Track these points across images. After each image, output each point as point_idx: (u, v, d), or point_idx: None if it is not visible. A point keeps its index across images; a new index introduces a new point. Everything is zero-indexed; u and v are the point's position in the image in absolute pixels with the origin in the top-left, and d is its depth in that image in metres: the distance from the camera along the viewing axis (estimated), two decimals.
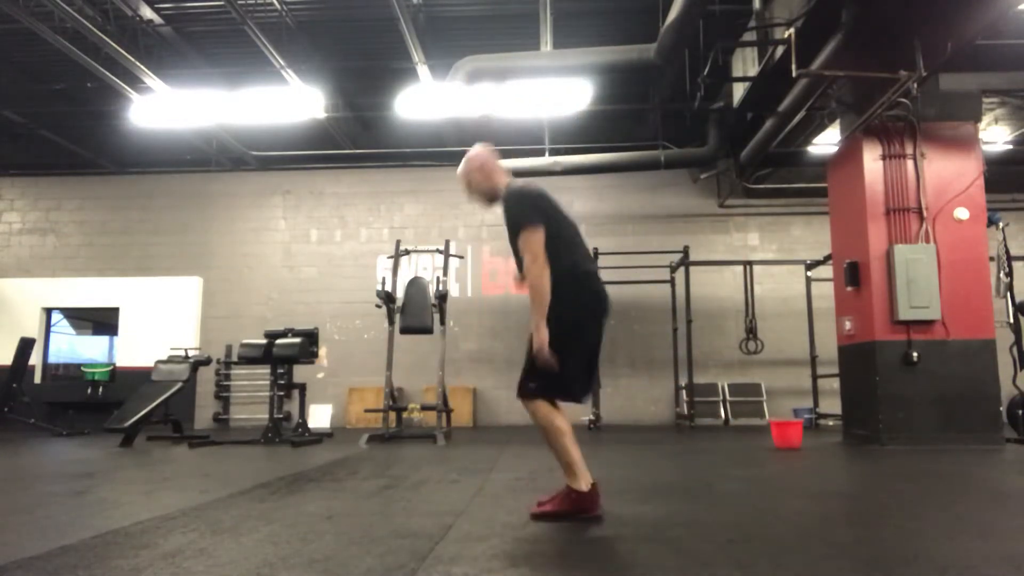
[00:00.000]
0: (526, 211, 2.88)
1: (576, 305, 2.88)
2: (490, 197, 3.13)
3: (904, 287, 6.34)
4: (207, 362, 8.43)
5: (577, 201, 11.70)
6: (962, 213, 6.50)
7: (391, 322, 8.06)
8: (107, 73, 8.30)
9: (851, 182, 6.89)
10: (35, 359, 10.80)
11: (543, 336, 2.72)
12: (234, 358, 9.19)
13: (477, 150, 3.15)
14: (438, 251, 8.94)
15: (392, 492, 3.63)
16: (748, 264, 10.13)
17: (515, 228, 2.88)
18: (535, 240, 2.79)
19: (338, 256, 11.78)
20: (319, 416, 10.74)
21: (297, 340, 7.62)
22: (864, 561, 2.10)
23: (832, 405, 8.84)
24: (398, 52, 8.49)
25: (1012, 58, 6.70)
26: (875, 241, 6.54)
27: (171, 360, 8.17)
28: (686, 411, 10.13)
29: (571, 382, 2.86)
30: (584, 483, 2.79)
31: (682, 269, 10.18)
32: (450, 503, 3.20)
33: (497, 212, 3.14)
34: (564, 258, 2.89)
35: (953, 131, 6.66)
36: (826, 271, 8.62)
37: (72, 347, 13.57)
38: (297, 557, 2.16)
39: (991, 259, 6.65)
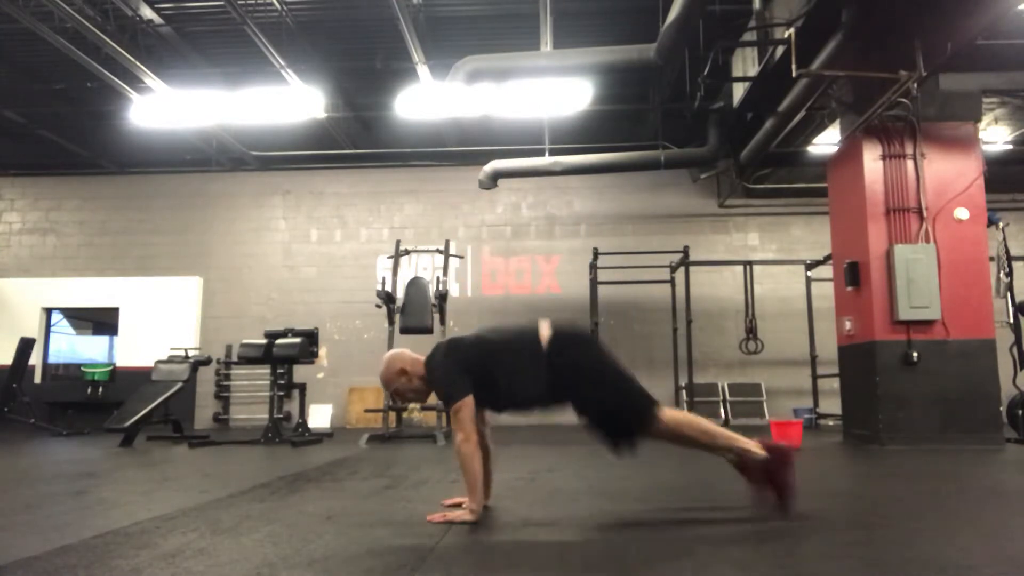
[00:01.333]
0: (448, 385, 2.82)
1: (567, 363, 2.85)
2: (427, 388, 3.00)
3: (904, 287, 6.34)
4: (207, 362, 8.44)
5: (577, 201, 11.72)
6: (962, 213, 6.50)
7: (391, 322, 8.06)
8: (107, 73, 8.30)
9: (851, 182, 6.89)
10: (35, 359, 10.80)
11: (474, 510, 2.72)
12: (234, 358, 9.19)
13: (386, 358, 3.01)
14: (438, 251, 8.95)
15: (392, 492, 3.63)
16: (748, 264, 10.13)
17: (446, 401, 2.84)
18: (462, 416, 2.74)
19: (338, 256, 11.78)
20: (319, 416, 10.74)
21: (297, 340, 7.62)
22: (864, 561, 2.10)
23: (832, 405, 8.84)
24: (398, 52, 8.49)
25: (1012, 58, 6.70)
26: (875, 241, 6.54)
27: (171, 360, 8.17)
28: (686, 411, 10.12)
29: (638, 385, 2.87)
30: (756, 446, 2.80)
31: (682, 269, 10.18)
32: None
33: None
34: (528, 342, 2.86)
35: (953, 131, 6.66)
36: (826, 271, 8.62)
37: (72, 347, 13.57)
38: (297, 557, 2.16)
39: (991, 259, 6.65)
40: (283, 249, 11.88)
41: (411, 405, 8.91)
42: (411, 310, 7.99)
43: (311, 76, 9.09)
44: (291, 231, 11.93)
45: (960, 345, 6.31)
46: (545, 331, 2.87)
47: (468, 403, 2.76)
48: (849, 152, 6.96)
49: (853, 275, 6.72)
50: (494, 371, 2.82)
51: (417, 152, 11.39)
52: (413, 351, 3.04)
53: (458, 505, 2.89)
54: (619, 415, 2.85)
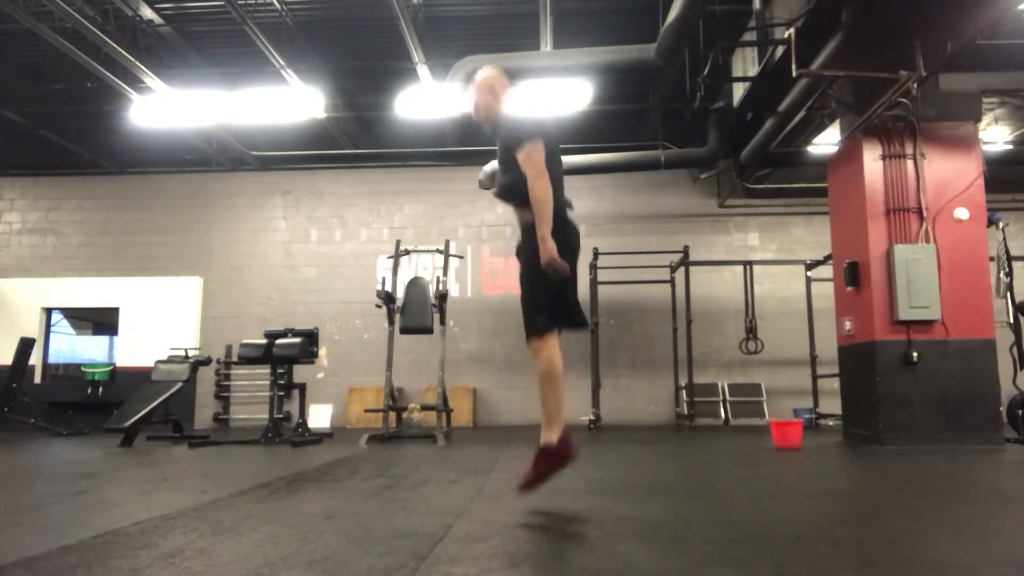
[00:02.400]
0: (530, 126, 2.91)
1: (564, 242, 2.93)
2: (491, 114, 3.17)
3: (904, 287, 6.34)
4: (207, 362, 8.43)
5: (577, 201, 11.55)
6: (962, 213, 6.50)
7: (391, 322, 8.07)
8: (107, 73, 8.30)
9: (851, 182, 6.89)
10: (35, 359, 10.81)
11: (551, 247, 2.77)
12: (234, 358, 9.19)
13: (488, 70, 3.19)
14: (438, 251, 8.95)
15: (392, 492, 3.63)
16: (748, 264, 10.13)
17: (515, 141, 2.89)
18: (537, 154, 2.82)
19: (338, 256, 11.78)
20: (319, 416, 10.74)
21: (297, 340, 7.62)
22: (864, 561, 2.10)
23: (832, 405, 8.84)
24: (398, 52, 8.49)
25: (1012, 58, 6.70)
26: (875, 241, 6.54)
27: (171, 360, 8.17)
28: (686, 411, 10.14)
29: (573, 307, 2.97)
30: (557, 435, 2.82)
31: (682, 269, 10.18)
32: (450, 503, 3.20)
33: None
34: (555, 191, 2.96)
35: (953, 131, 6.66)
36: (826, 271, 8.62)
37: (72, 347, 13.57)
38: (297, 557, 2.16)
39: (991, 259, 6.65)
40: (283, 249, 11.88)
41: (411, 405, 8.92)
42: (411, 310, 7.99)
43: (311, 76, 9.09)
44: (291, 231, 11.93)
45: (960, 345, 6.31)
46: (567, 208, 3.05)
47: (543, 148, 2.86)
48: (849, 152, 6.96)
49: (853, 275, 6.72)
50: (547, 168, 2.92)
51: (417, 152, 11.39)
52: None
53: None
54: (528, 307, 3.00)
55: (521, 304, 2.99)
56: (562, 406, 2.84)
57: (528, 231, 2.98)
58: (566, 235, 2.97)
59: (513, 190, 3.01)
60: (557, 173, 3.04)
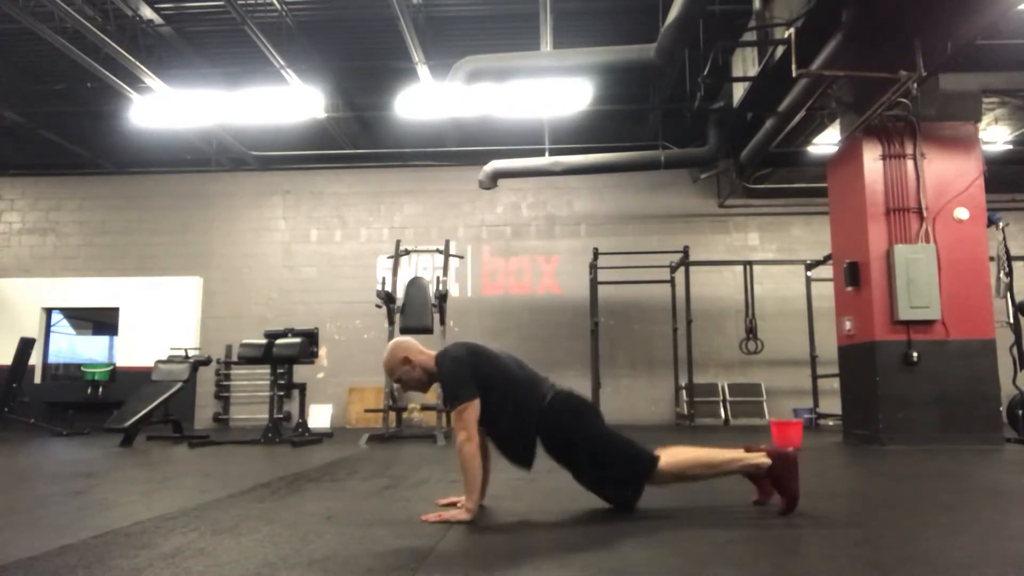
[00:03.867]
0: (456, 384, 2.83)
1: (556, 423, 2.89)
2: (428, 379, 3.03)
3: (904, 287, 6.34)
4: (207, 362, 8.43)
5: (577, 201, 11.72)
6: (962, 213, 6.50)
7: (391, 322, 8.07)
8: (107, 73, 8.30)
9: (851, 182, 6.89)
10: (35, 359, 10.80)
11: (471, 509, 2.73)
12: (234, 358, 9.19)
13: (390, 348, 3.05)
14: (438, 251, 8.95)
15: (392, 492, 3.63)
16: (748, 264, 10.13)
17: (450, 401, 2.85)
18: (466, 417, 2.76)
19: (338, 256, 11.78)
20: (319, 416, 10.74)
21: (297, 340, 7.62)
22: (864, 561, 2.10)
23: (832, 405, 8.84)
24: (398, 52, 8.49)
25: (1012, 58, 6.70)
26: (875, 241, 6.54)
27: (171, 360, 8.17)
28: (686, 411, 10.14)
29: (632, 451, 2.87)
30: (757, 456, 2.82)
31: (682, 269, 10.18)
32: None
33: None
34: (536, 393, 2.91)
35: (953, 131, 6.66)
36: (826, 271, 8.62)
37: (72, 347, 13.57)
38: (297, 557, 2.16)
39: (991, 259, 6.65)
40: (283, 249, 11.88)
41: (411, 405, 8.92)
42: (411, 310, 7.99)
43: (311, 76, 9.09)
44: (291, 231, 11.93)
45: (960, 345, 6.31)
46: (559, 389, 2.95)
47: (474, 406, 2.79)
48: (849, 152, 6.96)
49: (853, 275, 6.72)
50: (492, 402, 2.85)
51: (417, 152, 11.39)
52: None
53: (453, 504, 2.89)
54: (614, 480, 2.91)
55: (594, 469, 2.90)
56: (723, 456, 2.88)
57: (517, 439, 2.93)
58: (558, 415, 2.89)
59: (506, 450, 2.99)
60: (523, 376, 2.97)
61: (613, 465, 2.87)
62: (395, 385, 3.20)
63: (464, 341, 3.06)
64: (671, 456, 2.85)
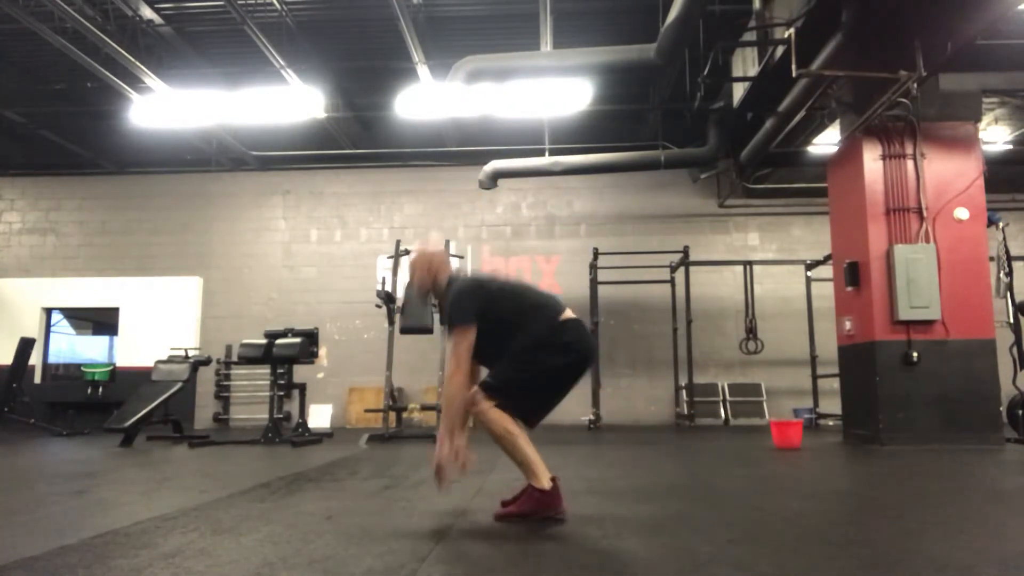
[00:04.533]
0: (457, 311, 2.83)
1: (561, 361, 2.87)
2: (436, 293, 3.08)
3: (904, 287, 6.34)
4: (207, 362, 8.43)
5: (577, 201, 11.72)
6: (962, 213, 6.50)
7: (391, 322, 8.07)
8: (107, 73, 8.30)
9: (851, 182, 6.89)
10: (35, 359, 10.81)
11: (443, 448, 2.69)
12: (234, 358, 9.19)
13: (427, 246, 3.10)
14: None
15: (392, 492, 3.63)
16: (748, 264, 10.13)
17: (450, 324, 2.84)
18: (460, 343, 2.75)
19: (338, 256, 11.78)
20: (319, 416, 10.74)
21: (297, 340, 7.62)
22: (864, 561, 2.10)
23: (832, 405, 8.84)
24: (398, 52, 8.49)
25: (1012, 58, 6.70)
26: (875, 241, 6.54)
27: (171, 360, 8.17)
28: (686, 411, 10.14)
29: (534, 409, 2.89)
30: (545, 481, 2.77)
31: (682, 269, 10.18)
32: (450, 503, 3.20)
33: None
34: (540, 322, 2.88)
35: (953, 131, 6.66)
36: (826, 271, 8.62)
37: (72, 347, 13.56)
38: (297, 557, 2.16)
39: (991, 259, 6.65)
40: (283, 249, 11.88)
41: (411, 405, 8.92)
42: (411, 310, 7.98)
43: (311, 76, 9.09)
44: (291, 231, 11.93)
45: (960, 345, 6.31)
46: (570, 319, 2.92)
47: (470, 334, 2.78)
48: (849, 152, 6.96)
49: (853, 275, 6.72)
50: (494, 334, 2.84)
51: (417, 152, 11.39)
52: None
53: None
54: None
55: (509, 371, 2.85)
56: (531, 455, 2.77)
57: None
58: (568, 357, 2.87)
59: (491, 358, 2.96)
60: (532, 300, 2.96)
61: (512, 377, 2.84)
62: (427, 295, 3.20)
63: (476, 275, 3.10)
64: (498, 419, 2.77)
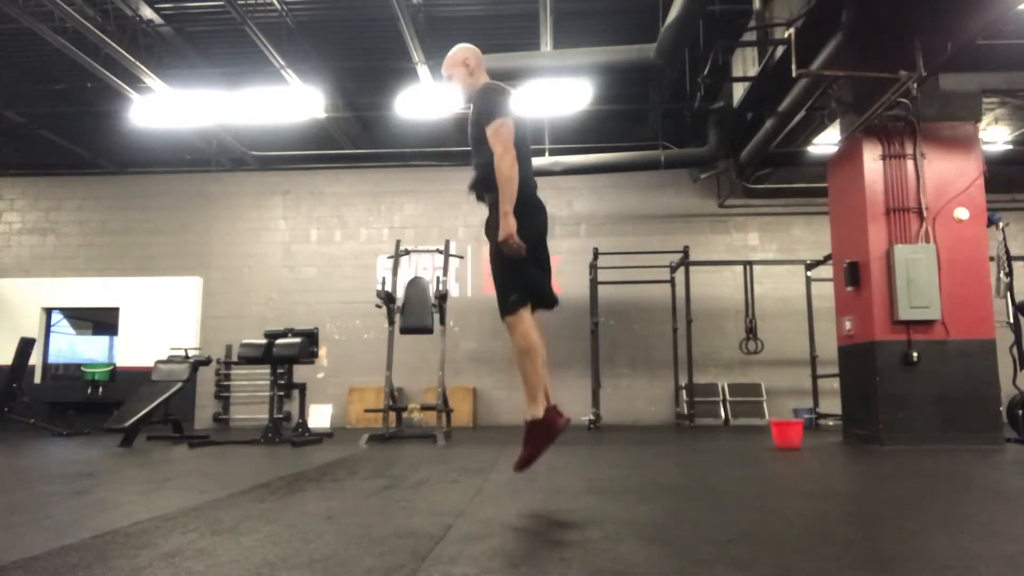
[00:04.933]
0: (500, 103, 2.94)
1: (531, 221, 2.98)
2: (469, 90, 3.21)
3: (904, 287, 6.34)
4: (207, 362, 8.43)
5: (577, 201, 11.72)
6: (962, 213, 6.50)
7: (391, 322, 8.06)
8: (107, 73, 8.30)
9: (851, 182, 6.89)
10: (35, 359, 10.81)
11: (511, 223, 2.79)
12: (234, 358, 9.19)
13: (464, 46, 3.24)
14: (438, 251, 8.95)
15: (392, 492, 3.63)
16: (748, 264, 10.13)
17: (486, 118, 2.92)
18: (506, 131, 2.86)
19: (338, 256, 11.79)
20: (319, 416, 10.74)
21: (297, 340, 7.62)
22: (864, 561, 2.10)
23: (832, 405, 8.85)
24: (398, 52, 8.49)
25: (1012, 58, 6.70)
26: (875, 241, 6.54)
27: (171, 360, 8.17)
28: (686, 411, 10.14)
29: (541, 283, 3.02)
30: (540, 409, 2.83)
31: (682, 269, 10.18)
32: (450, 503, 3.20)
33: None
34: (522, 170, 2.98)
35: (953, 131, 6.66)
36: (826, 271, 8.62)
37: (72, 347, 13.57)
38: (297, 557, 2.16)
39: (991, 259, 6.65)
40: (283, 249, 11.88)
41: (411, 405, 8.91)
42: (411, 310, 7.99)
43: (311, 76, 9.09)
44: (291, 231, 11.94)
45: (960, 345, 6.31)
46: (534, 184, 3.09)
47: (511, 124, 2.90)
48: (849, 152, 6.96)
49: (853, 275, 6.72)
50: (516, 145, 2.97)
51: (417, 152, 11.40)
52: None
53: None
54: (500, 286, 3.00)
55: (493, 283, 3.01)
56: (541, 380, 2.87)
57: (495, 208, 2.99)
58: (532, 215, 3.01)
59: (486, 180, 3.02)
60: (525, 151, 3.10)
61: (497, 280, 2.97)
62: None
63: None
64: (528, 331, 2.89)
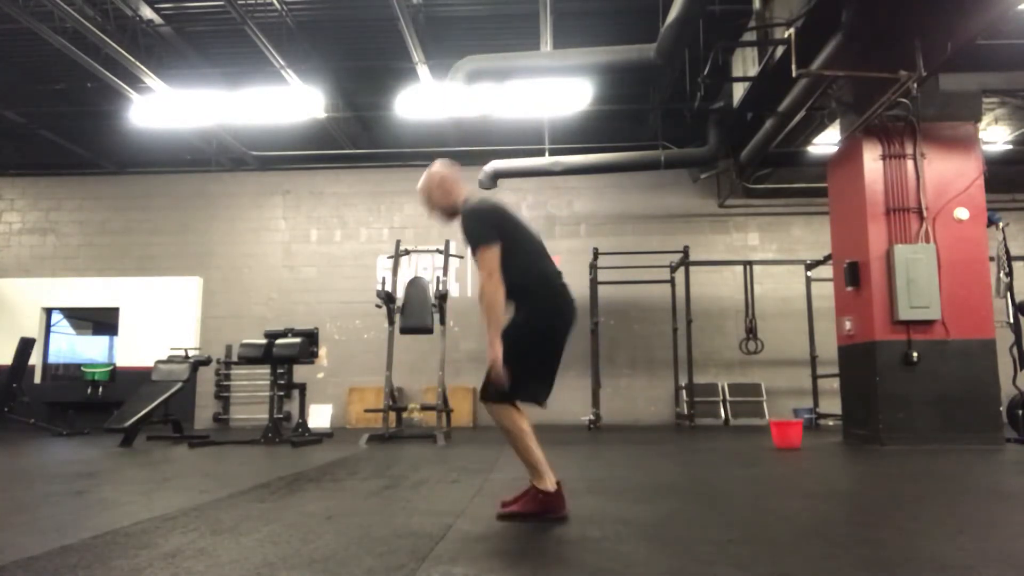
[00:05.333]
0: (481, 230, 2.87)
1: (552, 312, 2.94)
2: (450, 213, 3.11)
3: (904, 287, 6.34)
4: (207, 362, 8.43)
5: (577, 201, 11.72)
6: (962, 213, 6.50)
7: (391, 322, 8.06)
8: (107, 73, 8.30)
9: (851, 182, 6.89)
10: (35, 359, 10.80)
11: (496, 352, 2.73)
12: (234, 358, 9.19)
13: (437, 166, 3.15)
14: (438, 251, 8.94)
15: (392, 492, 3.63)
16: (748, 264, 10.13)
17: (472, 246, 2.87)
18: (489, 258, 2.80)
19: (338, 256, 11.78)
20: (319, 416, 10.74)
21: (297, 340, 7.62)
22: (864, 561, 2.10)
23: (832, 405, 8.84)
24: (398, 52, 8.49)
25: (1012, 58, 6.70)
26: (875, 241, 6.54)
27: (171, 360, 8.17)
28: (686, 411, 10.13)
29: (537, 385, 2.89)
30: (549, 483, 2.79)
31: (682, 269, 10.18)
32: (450, 503, 3.20)
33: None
34: (534, 267, 2.96)
35: (953, 131, 6.66)
36: (826, 271, 8.62)
37: (72, 347, 13.56)
38: (297, 557, 2.16)
39: (991, 259, 6.65)
40: (283, 249, 11.88)
41: (411, 405, 8.91)
42: (411, 310, 7.99)
43: (311, 76, 9.09)
44: (291, 231, 11.94)
45: (960, 345, 6.31)
46: (559, 277, 3.08)
47: (495, 248, 2.83)
48: (849, 152, 6.96)
49: (853, 275, 6.72)
50: (518, 249, 2.92)
51: (417, 152, 11.39)
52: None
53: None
54: (488, 375, 2.87)
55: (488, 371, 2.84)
56: (538, 454, 2.80)
57: (516, 313, 2.93)
58: (552, 318, 2.93)
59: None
60: (536, 247, 3.05)
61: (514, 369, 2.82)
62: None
63: (492, 199, 3.12)
64: (511, 416, 2.82)
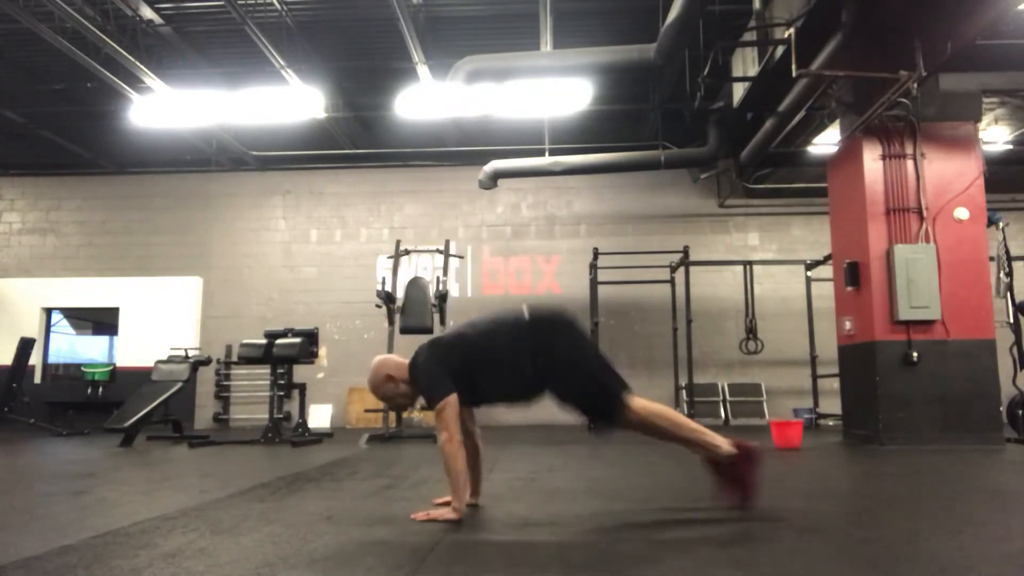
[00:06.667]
0: (431, 383, 2.82)
1: (551, 343, 2.88)
2: (410, 388, 2.98)
3: (904, 287, 6.34)
4: (207, 362, 8.43)
5: (577, 201, 11.72)
6: (962, 213, 6.50)
7: (391, 322, 8.06)
8: (107, 73, 8.30)
9: (851, 182, 6.89)
10: (35, 359, 10.80)
11: (457, 508, 2.72)
12: (234, 358, 9.19)
13: (376, 365, 3.04)
14: (438, 251, 8.95)
15: (392, 492, 3.63)
16: (748, 264, 10.13)
17: (429, 402, 2.83)
18: (444, 416, 2.74)
19: (338, 256, 11.79)
20: (319, 416, 10.74)
21: (297, 340, 7.62)
22: (864, 561, 2.10)
23: (832, 405, 8.84)
24: (398, 52, 8.49)
25: (1012, 58, 6.70)
26: (875, 241, 6.54)
27: (171, 360, 8.17)
28: (686, 411, 10.13)
29: (614, 373, 2.90)
30: (727, 443, 2.79)
31: (682, 269, 10.18)
32: None
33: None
34: (512, 334, 2.89)
35: (953, 131, 6.66)
36: (826, 271, 8.62)
37: (72, 347, 13.57)
38: (297, 557, 2.16)
39: (991, 259, 6.65)
40: (283, 249, 11.88)
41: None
42: (411, 310, 7.99)
43: (311, 76, 9.09)
44: (291, 231, 11.94)
45: (960, 345, 6.30)
46: (525, 317, 2.90)
47: (451, 402, 2.76)
48: (849, 152, 6.96)
49: (853, 275, 6.72)
50: (474, 369, 2.84)
51: (417, 152, 11.40)
52: (413, 351, 3.04)
53: (446, 504, 2.89)
54: (595, 402, 2.89)
55: (588, 387, 2.85)
56: (697, 427, 2.86)
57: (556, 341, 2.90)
58: (552, 336, 2.88)
59: (512, 395, 2.98)
60: (495, 349, 2.89)
61: (594, 382, 2.86)
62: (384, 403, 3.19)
63: (426, 342, 3.00)
64: (644, 402, 2.84)
